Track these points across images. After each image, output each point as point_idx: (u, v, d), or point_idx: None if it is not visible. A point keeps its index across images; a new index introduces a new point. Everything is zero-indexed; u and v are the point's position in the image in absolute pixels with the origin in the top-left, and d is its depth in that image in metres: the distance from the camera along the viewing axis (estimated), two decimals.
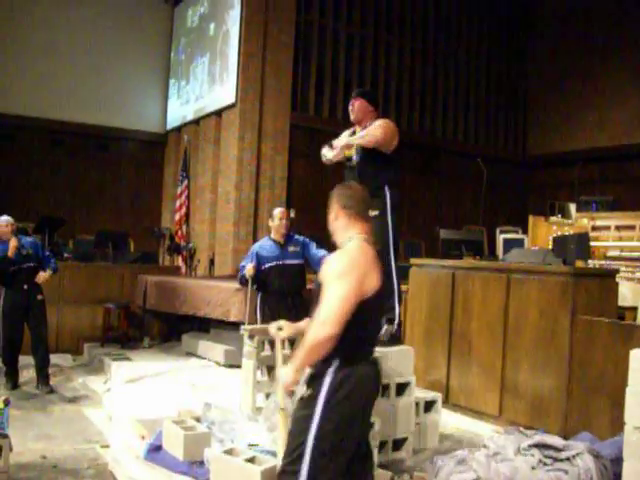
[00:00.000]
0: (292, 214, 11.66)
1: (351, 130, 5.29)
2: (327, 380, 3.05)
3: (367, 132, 4.93)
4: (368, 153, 5.00)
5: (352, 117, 5.19)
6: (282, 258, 6.46)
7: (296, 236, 6.60)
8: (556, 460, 4.00)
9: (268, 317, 6.31)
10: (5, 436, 4.41)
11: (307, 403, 3.10)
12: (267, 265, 6.49)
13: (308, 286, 6.49)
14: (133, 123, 13.93)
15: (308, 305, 5.87)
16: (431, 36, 13.82)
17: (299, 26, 11.95)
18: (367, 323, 3.15)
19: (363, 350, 3.18)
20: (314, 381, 3.10)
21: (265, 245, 6.60)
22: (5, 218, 7.37)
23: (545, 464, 3.97)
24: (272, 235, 6.58)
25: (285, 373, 3.14)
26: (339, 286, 2.99)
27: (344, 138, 5.13)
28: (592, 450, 4.05)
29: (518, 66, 15.00)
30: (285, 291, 6.42)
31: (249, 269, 6.40)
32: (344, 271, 3.03)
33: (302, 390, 3.19)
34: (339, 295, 2.97)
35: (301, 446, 3.03)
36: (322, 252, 6.31)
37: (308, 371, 3.18)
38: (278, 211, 6.56)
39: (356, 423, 3.10)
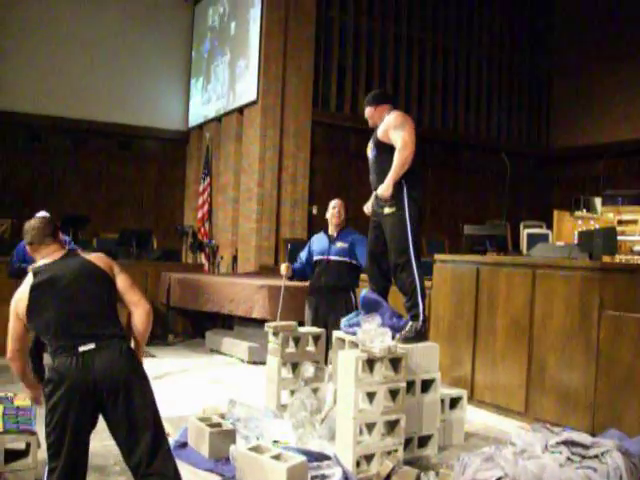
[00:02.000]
0: (314, 211, 11.68)
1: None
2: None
3: (396, 157, 4.78)
4: (382, 148, 4.97)
5: (370, 125, 5.17)
6: (327, 253, 6.16)
7: (351, 232, 6.23)
8: (584, 457, 3.95)
9: (309, 313, 6.25)
10: (33, 433, 4.45)
11: None
12: (315, 258, 6.25)
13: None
14: (155, 121, 13.99)
15: (354, 306, 5.83)
16: (453, 30, 13.74)
17: (320, 22, 11.93)
18: (45, 328, 3.38)
19: (59, 347, 3.32)
20: None
21: (319, 237, 6.35)
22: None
23: (573, 461, 3.92)
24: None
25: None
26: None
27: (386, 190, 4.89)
28: (621, 447, 4.00)
29: (541, 60, 14.87)
30: (325, 288, 6.12)
31: (283, 268, 6.19)
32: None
33: None
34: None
35: None
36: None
37: None
38: (332, 202, 6.25)
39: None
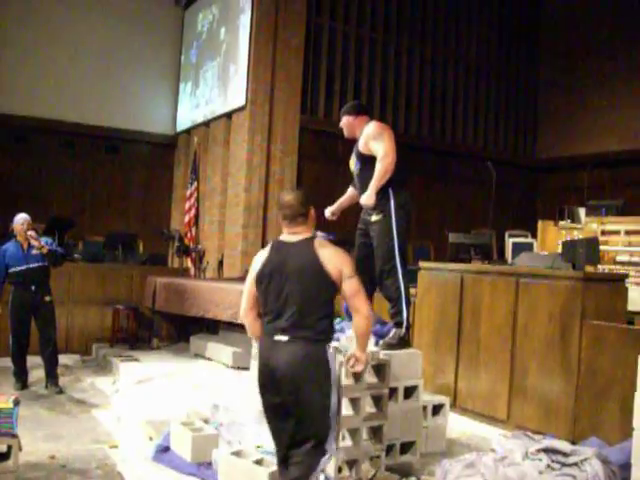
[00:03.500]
0: None
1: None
2: None
3: (378, 166, 4.82)
4: (365, 160, 5.00)
5: (346, 135, 5.19)
6: None
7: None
8: (564, 465, 3.99)
9: None
10: (14, 436, 4.44)
11: None
12: None
13: None
14: (143, 125, 13.97)
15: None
16: (441, 40, 13.83)
17: (309, 29, 11.97)
18: (266, 301, 3.60)
19: (267, 326, 3.59)
20: None
21: None
22: (22, 216, 7.43)
23: (553, 469, 3.96)
24: None
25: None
26: None
27: None
28: (600, 455, 4.04)
29: (528, 70, 14.98)
30: None
31: None
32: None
33: None
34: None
35: None
36: None
37: None
38: None
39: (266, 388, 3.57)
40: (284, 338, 3.45)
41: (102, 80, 13.42)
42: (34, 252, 7.34)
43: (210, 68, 13.00)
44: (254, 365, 3.85)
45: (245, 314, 3.73)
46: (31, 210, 7.96)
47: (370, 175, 4.89)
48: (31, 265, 7.35)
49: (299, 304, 3.46)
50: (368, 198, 4.83)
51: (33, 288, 7.36)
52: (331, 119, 12.25)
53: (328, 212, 5.41)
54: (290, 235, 3.63)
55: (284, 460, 3.56)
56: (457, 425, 5.78)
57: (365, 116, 5.14)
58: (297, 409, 3.45)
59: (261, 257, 3.66)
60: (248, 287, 3.69)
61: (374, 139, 4.91)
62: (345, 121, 5.16)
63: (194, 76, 13.72)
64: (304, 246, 3.56)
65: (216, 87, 12.65)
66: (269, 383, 3.50)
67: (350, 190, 5.41)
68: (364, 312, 3.57)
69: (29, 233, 7.26)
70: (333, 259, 3.53)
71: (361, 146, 5.01)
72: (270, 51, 11.37)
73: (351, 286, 3.54)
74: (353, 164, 5.18)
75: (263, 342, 3.58)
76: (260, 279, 3.58)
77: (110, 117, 13.52)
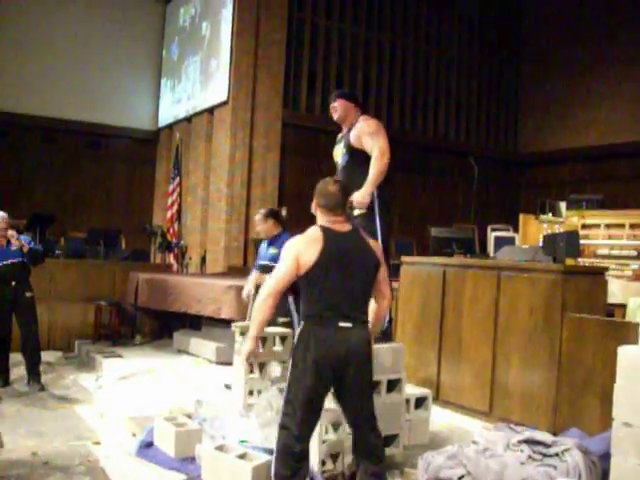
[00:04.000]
0: (284, 212, 11.69)
1: (340, 136, 5.27)
2: (295, 340, 3.65)
3: (374, 165, 4.82)
4: (354, 154, 5.00)
5: (335, 117, 5.15)
6: (263, 258, 6.56)
7: (285, 237, 6.18)
8: (545, 456, 4.03)
9: None
10: None
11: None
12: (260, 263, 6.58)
13: None
14: (125, 120, 13.92)
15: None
16: (423, 35, 13.87)
17: (291, 24, 11.97)
18: (320, 290, 3.59)
19: (322, 315, 3.58)
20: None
21: (262, 244, 6.75)
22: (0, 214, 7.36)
23: (534, 460, 4.00)
24: None
25: (243, 354, 3.82)
26: (277, 268, 3.67)
27: None
28: (581, 446, 4.08)
29: (509, 65, 15.06)
30: None
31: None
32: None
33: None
34: (274, 275, 3.66)
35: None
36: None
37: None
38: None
39: (324, 380, 3.60)
40: (349, 324, 3.58)
41: (83, 75, 13.35)
42: (13, 248, 7.28)
43: (192, 63, 12.96)
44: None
45: (273, 296, 3.61)
46: (12, 206, 7.91)
47: (357, 169, 4.90)
48: (10, 261, 7.28)
49: (359, 291, 3.66)
50: (363, 197, 4.81)
51: (13, 284, 7.29)
52: (313, 114, 12.27)
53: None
54: (336, 224, 3.70)
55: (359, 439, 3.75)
56: (440, 418, 5.81)
57: (357, 106, 5.13)
58: (362, 387, 3.69)
59: (311, 245, 3.60)
60: (288, 271, 3.59)
61: (370, 135, 4.90)
62: (342, 104, 5.10)
63: (176, 71, 13.67)
64: (357, 236, 3.75)
65: (198, 82, 12.62)
66: (337, 367, 3.57)
67: None
68: (389, 297, 3.94)
69: (9, 233, 7.21)
70: (377, 248, 3.80)
71: (353, 138, 4.99)
72: (252, 46, 11.37)
73: (384, 273, 3.82)
74: (340, 155, 5.13)
75: (318, 330, 3.57)
76: (318, 268, 3.58)
77: (91, 112, 13.45)
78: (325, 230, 3.66)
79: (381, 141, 4.85)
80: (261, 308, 3.63)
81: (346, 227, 3.73)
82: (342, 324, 3.57)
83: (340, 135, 5.24)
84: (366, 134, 4.92)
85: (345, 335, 3.57)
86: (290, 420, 3.58)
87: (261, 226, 6.63)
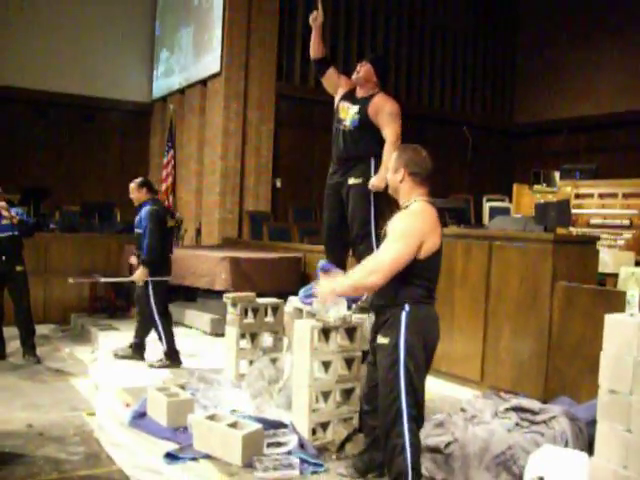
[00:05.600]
0: (278, 184, 11.68)
1: (340, 95, 5.23)
2: (403, 326, 3.42)
3: (388, 149, 4.85)
4: (367, 124, 4.99)
5: (354, 77, 5.10)
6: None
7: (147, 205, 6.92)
8: (532, 423, 4.08)
9: None
10: None
11: (390, 351, 3.44)
12: None
13: None
14: (118, 93, 13.81)
15: None
16: (418, 5, 13.73)
17: None
18: (432, 275, 3.55)
19: (429, 298, 3.55)
20: (390, 329, 3.46)
21: None
22: None
23: (521, 427, 4.05)
24: None
25: (324, 286, 3.52)
26: (396, 246, 3.36)
27: None
28: (568, 413, 4.13)
29: (505, 34, 14.91)
30: None
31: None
32: (404, 233, 3.38)
33: (383, 340, 3.51)
34: (393, 255, 3.34)
35: (396, 402, 3.41)
36: None
37: (380, 320, 3.58)
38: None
39: (428, 361, 3.55)
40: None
41: (76, 48, 13.22)
42: (4, 222, 7.27)
43: (185, 34, 12.84)
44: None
45: (385, 276, 3.36)
46: (6, 180, 7.89)
47: (363, 137, 4.98)
48: (1, 234, 7.28)
49: None
50: (380, 181, 4.79)
51: (4, 258, 7.30)
52: (307, 85, 12.18)
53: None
54: (425, 197, 3.59)
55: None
56: (431, 387, 5.80)
57: (378, 80, 5.11)
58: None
59: (435, 230, 3.49)
60: (409, 252, 3.37)
61: (390, 115, 4.96)
62: (367, 69, 5.05)
63: (169, 43, 13.55)
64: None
65: (191, 54, 12.51)
66: (435, 347, 3.59)
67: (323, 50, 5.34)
68: None
69: (0, 204, 7.20)
70: None
71: (372, 111, 4.98)
72: (245, 16, 11.25)
73: None
74: (350, 116, 5.06)
75: (430, 313, 3.55)
76: (439, 254, 3.55)
77: (85, 85, 13.34)
78: (433, 208, 3.54)
79: (397, 125, 4.93)
80: (359, 291, 3.49)
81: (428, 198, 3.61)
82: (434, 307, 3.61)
83: (354, 95, 5.15)
84: (387, 113, 4.97)
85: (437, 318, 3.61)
86: (418, 410, 3.50)
87: (134, 194, 7.02)
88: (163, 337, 6.67)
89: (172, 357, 6.66)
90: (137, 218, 6.98)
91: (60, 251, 9.64)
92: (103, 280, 8.12)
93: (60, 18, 13.08)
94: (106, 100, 13.60)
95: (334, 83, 5.30)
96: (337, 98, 5.25)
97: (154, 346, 6.88)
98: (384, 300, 3.53)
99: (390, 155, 4.72)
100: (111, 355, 7.05)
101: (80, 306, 9.57)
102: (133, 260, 7.04)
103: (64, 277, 9.44)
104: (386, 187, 5.07)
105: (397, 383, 3.39)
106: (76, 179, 13.31)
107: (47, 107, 13.13)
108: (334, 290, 3.48)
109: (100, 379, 6.47)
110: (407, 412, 3.39)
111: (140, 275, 6.62)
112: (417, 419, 3.47)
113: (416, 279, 3.45)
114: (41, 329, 8.27)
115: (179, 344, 6.83)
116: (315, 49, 5.27)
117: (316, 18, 5.16)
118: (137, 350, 6.96)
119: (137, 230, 6.94)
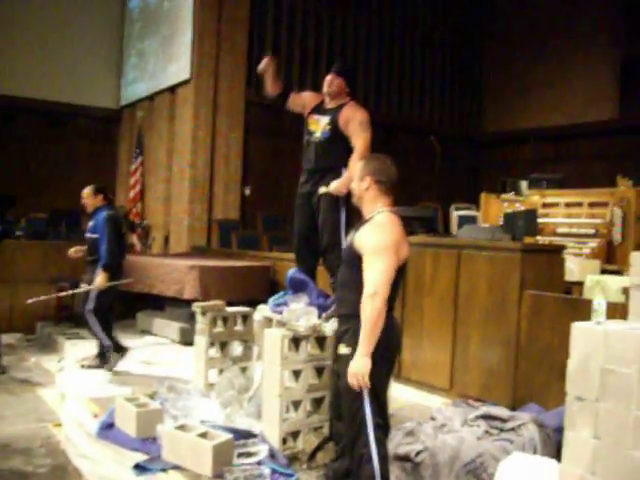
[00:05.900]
0: (247, 192, 11.65)
1: (309, 108, 5.24)
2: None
3: (355, 159, 4.79)
4: (337, 134, 4.99)
5: (325, 90, 5.08)
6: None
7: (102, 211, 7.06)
8: (502, 430, 4.11)
9: None
10: None
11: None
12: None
13: None
14: (86, 99, 13.67)
15: None
16: (387, 14, 13.82)
17: (254, 1, 11.83)
18: (396, 285, 3.50)
19: (391, 306, 3.51)
20: (352, 339, 3.42)
21: None
22: None
23: (491, 434, 4.08)
24: None
25: (357, 366, 3.32)
26: (380, 262, 3.34)
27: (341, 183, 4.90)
28: (536, 420, 4.17)
29: (473, 45, 15.09)
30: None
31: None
32: (382, 247, 3.37)
33: (344, 350, 3.48)
34: (382, 270, 3.33)
35: (360, 411, 3.42)
36: None
37: (342, 328, 3.58)
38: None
39: (392, 367, 3.62)
40: None
41: (43, 53, 13.07)
42: None
43: (154, 41, 12.77)
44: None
45: (384, 304, 3.35)
46: None
47: (334, 148, 4.95)
48: None
49: None
50: (342, 186, 4.79)
51: None
52: None
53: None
54: (389, 207, 3.58)
55: None
56: (401, 395, 5.87)
57: (348, 89, 5.10)
58: None
59: (404, 237, 3.52)
60: (394, 267, 3.39)
61: (360, 125, 4.93)
62: (339, 84, 5.04)
63: (138, 49, 13.47)
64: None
65: (160, 60, 12.45)
66: (397, 355, 3.66)
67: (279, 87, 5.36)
68: None
69: None
70: None
71: (342, 121, 4.96)
72: (214, 23, 11.23)
73: None
74: (321, 127, 5.05)
75: (391, 322, 3.49)
76: (406, 261, 3.57)
77: (52, 91, 13.18)
78: (398, 219, 3.55)
79: (367, 135, 4.92)
80: (378, 323, 3.31)
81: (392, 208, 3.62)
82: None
83: (323, 106, 5.14)
84: (357, 123, 4.94)
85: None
86: (383, 417, 3.50)
87: (89, 200, 7.14)
88: (99, 336, 6.79)
89: (105, 358, 6.80)
90: (91, 223, 7.04)
91: (26, 259, 9.50)
92: (63, 294, 8.03)
93: (27, 22, 12.93)
94: (73, 106, 13.45)
95: (299, 104, 5.33)
96: (306, 112, 5.26)
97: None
98: (346, 309, 3.55)
99: (356, 163, 4.79)
100: (78, 365, 6.97)
101: (46, 315, 9.44)
102: (72, 252, 7.24)
103: (30, 285, 9.35)
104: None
105: (360, 392, 3.38)
106: (43, 186, 13.13)
107: (13, 112, 12.95)
108: (365, 360, 3.32)
109: (67, 389, 6.38)
110: (372, 421, 3.40)
111: (101, 280, 6.61)
112: (383, 427, 3.48)
113: None
114: (6, 338, 8.15)
115: (148, 354, 6.78)
116: (270, 89, 5.31)
117: (266, 69, 5.17)
118: (118, 349, 6.96)
119: (90, 235, 7.00)
